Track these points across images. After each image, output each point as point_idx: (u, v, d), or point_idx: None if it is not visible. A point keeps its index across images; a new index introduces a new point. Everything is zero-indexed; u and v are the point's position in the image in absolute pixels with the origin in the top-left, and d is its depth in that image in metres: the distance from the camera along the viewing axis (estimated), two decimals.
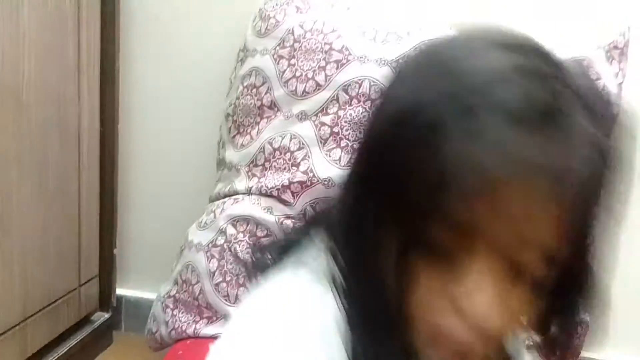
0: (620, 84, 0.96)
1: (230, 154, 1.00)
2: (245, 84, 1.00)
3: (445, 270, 0.38)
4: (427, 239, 0.38)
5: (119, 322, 1.41)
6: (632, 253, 1.05)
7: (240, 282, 0.89)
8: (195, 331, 0.91)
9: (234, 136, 1.01)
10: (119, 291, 1.41)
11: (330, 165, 0.90)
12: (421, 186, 0.37)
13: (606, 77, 0.93)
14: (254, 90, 0.99)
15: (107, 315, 1.36)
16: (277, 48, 0.98)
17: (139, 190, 1.36)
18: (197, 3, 1.24)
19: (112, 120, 1.28)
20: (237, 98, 1.01)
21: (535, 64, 0.39)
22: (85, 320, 1.31)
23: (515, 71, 0.38)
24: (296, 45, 0.96)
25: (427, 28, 0.97)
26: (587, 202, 0.38)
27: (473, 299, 0.37)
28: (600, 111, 0.39)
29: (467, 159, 0.35)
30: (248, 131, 0.99)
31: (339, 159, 0.90)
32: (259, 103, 0.98)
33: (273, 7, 1.03)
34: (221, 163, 1.03)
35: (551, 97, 0.37)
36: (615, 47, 0.95)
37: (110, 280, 1.37)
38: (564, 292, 0.41)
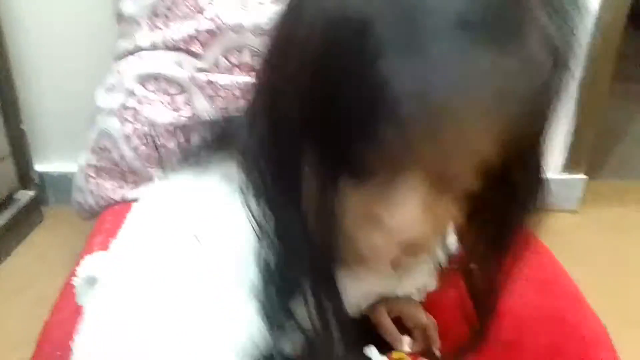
0: None
1: (128, 5, 0.91)
2: None
3: (370, 191, 0.35)
4: (353, 160, 0.34)
5: (46, 198, 1.38)
6: None
7: (160, 143, 0.86)
8: (123, 197, 0.90)
9: None
10: (40, 167, 1.37)
11: (238, 9, 0.84)
12: (351, 105, 0.32)
13: None
14: None
15: (31, 193, 1.33)
16: None
17: (33, 58, 1.25)
18: None
19: None
20: None
21: None
22: (8, 201, 1.28)
23: None
24: None
25: None
26: (533, 113, 0.34)
27: (397, 215, 0.35)
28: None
29: (404, 79, 0.30)
30: None
31: (246, 2, 0.84)
32: None
33: None
34: (120, 16, 0.94)
35: None
36: None
37: (25, 157, 1.32)
38: (500, 200, 0.38)
